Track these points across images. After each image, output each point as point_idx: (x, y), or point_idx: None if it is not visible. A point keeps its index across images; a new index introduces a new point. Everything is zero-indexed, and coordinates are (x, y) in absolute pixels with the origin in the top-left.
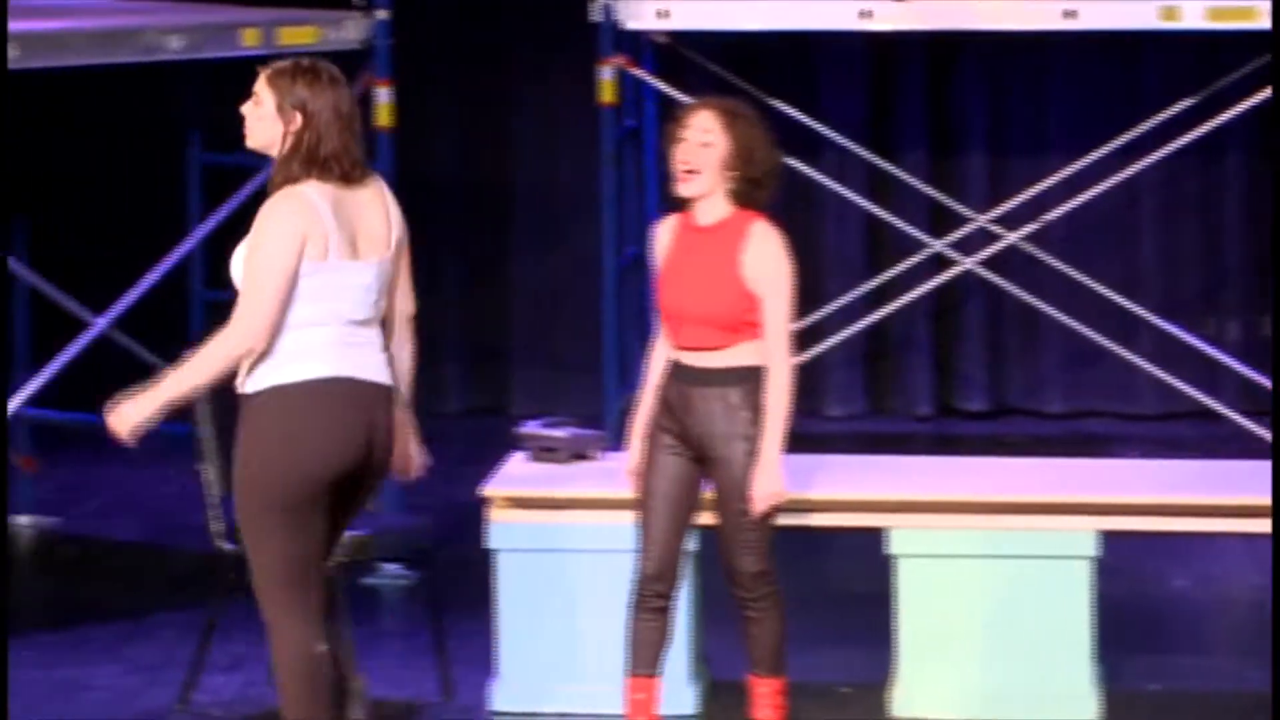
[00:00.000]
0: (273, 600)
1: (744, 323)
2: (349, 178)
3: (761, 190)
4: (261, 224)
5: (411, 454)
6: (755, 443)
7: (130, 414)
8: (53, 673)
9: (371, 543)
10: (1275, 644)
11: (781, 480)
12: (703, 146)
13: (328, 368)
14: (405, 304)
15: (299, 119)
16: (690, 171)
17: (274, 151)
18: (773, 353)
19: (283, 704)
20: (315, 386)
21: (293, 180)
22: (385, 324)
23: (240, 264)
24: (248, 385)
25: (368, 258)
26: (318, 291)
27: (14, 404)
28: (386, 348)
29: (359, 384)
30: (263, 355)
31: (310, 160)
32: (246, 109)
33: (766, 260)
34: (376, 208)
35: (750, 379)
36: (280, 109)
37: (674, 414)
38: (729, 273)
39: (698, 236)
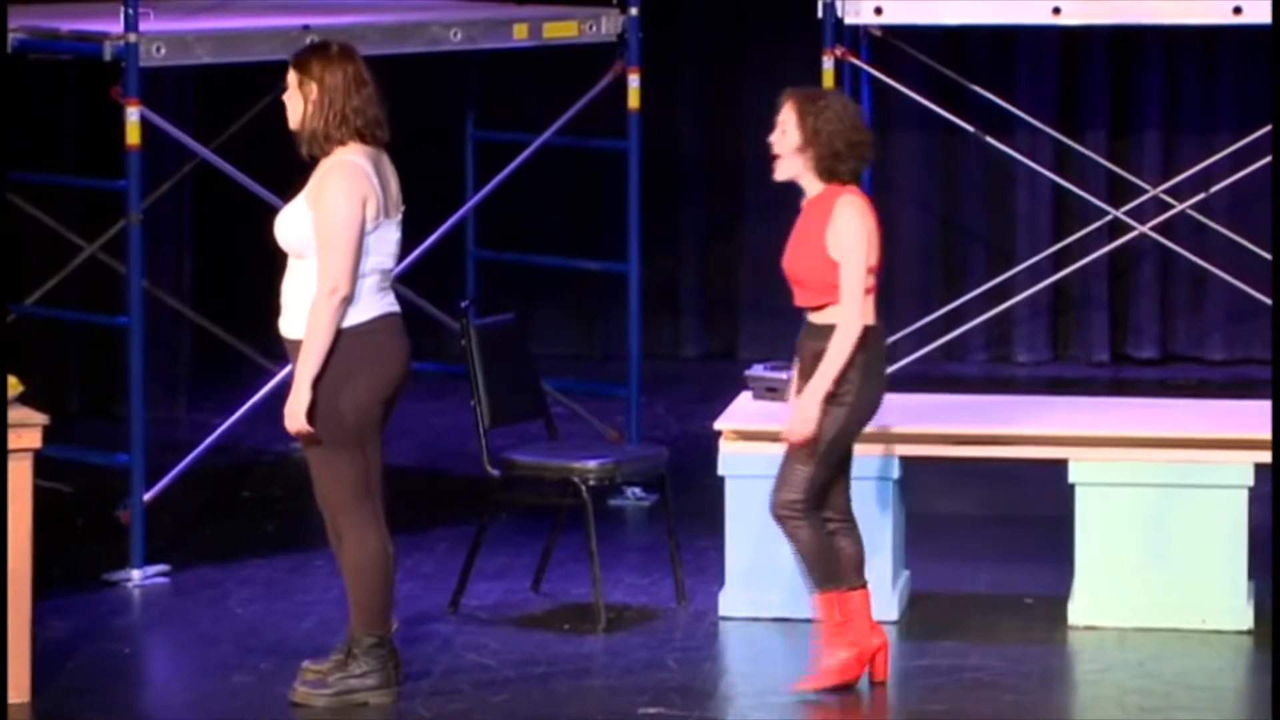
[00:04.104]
0: (350, 514)
1: (830, 285)
2: (378, 140)
3: (844, 164)
4: (328, 190)
5: None
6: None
7: (296, 410)
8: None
9: (617, 469)
10: (1275, 637)
11: (811, 422)
12: (781, 134)
13: (378, 308)
14: None
15: (315, 90)
16: (775, 157)
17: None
18: (842, 310)
19: (359, 603)
20: (374, 324)
21: (333, 143)
22: None
23: (289, 225)
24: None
25: (395, 216)
26: (373, 246)
27: None
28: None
29: (398, 317)
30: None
31: (342, 124)
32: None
33: (840, 230)
34: (393, 171)
35: (830, 338)
36: (302, 86)
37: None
38: (817, 243)
39: (805, 212)
